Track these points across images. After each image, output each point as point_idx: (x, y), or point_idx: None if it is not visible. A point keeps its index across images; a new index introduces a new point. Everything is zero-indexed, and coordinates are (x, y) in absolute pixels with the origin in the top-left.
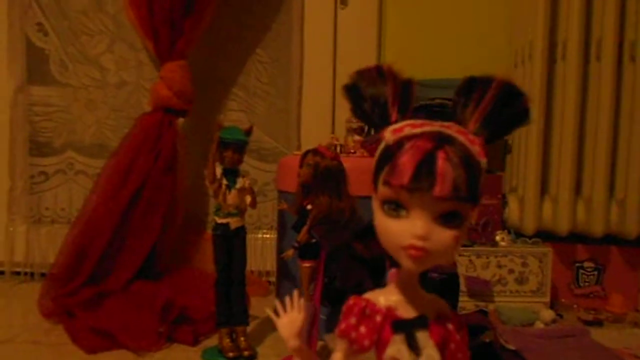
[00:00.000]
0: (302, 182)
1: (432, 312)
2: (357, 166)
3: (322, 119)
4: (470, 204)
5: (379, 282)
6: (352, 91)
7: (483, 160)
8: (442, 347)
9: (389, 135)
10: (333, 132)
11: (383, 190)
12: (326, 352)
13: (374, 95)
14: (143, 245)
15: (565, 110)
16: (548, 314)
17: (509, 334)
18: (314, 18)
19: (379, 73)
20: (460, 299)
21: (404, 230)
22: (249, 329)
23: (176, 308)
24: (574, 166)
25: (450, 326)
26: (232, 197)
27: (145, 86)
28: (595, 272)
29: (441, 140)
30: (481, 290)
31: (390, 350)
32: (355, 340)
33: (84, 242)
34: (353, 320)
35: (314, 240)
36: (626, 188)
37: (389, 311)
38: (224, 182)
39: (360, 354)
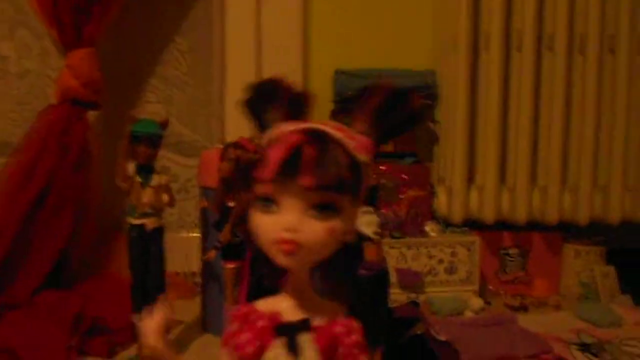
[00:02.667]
0: (223, 177)
1: (322, 316)
2: None
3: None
4: (342, 195)
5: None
6: (249, 106)
7: (362, 155)
8: (328, 351)
9: (265, 136)
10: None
11: (256, 188)
12: None
13: (269, 110)
14: (50, 251)
15: (490, 100)
16: (477, 302)
17: (439, 324)
18: (236, 3)
19: (273, 87)
20: (392, 291)
21: (274, 224)
22: (172, 334)
23: (89, 318)
24: (498, 155)
25: (339, 329)
26: (147, 196)
27: (51, 76)
28: (520, 258)
29: (310, 135)
30: (412, 281)
31: (269, 355)
32: (237, 347)
33: None
34: (235, 327)
35: (237, 240)
36: (547, 175)
37: (273, 316)
38: (137, 179)
39: None
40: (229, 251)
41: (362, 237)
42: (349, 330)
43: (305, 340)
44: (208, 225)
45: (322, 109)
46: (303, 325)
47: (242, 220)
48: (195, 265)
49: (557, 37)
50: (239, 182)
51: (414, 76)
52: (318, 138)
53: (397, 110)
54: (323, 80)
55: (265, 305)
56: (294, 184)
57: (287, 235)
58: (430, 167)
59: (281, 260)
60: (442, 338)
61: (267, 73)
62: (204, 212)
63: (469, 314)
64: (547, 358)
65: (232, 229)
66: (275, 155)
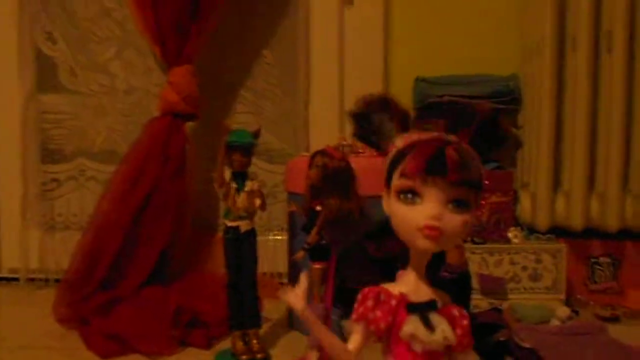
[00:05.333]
0: (311, 184)
1: (439, 301)
2: (365, 166)
3: (329, 119)
4: (476, 192)
5: (390, 282)
6: (358, 117)
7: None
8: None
9: (399, 141)
10: (341, 133)
11: (398, 182)
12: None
13: (379, 124)
14: (153, 250)
15: (577, 103)
16: (563, 311)
17: (524, 331)
18: (319, 17)
19: (383, 103)
20: (474, 297)
21: (420, 213)
22: (261, 331)
23: (188, 312)
24: (587, 160)
25: (455, 312)
26: (241, 200)
27: (153, 91)
28: (611, 268)
29: (446, 141)
30: (494, 288)
31: (407, 328)
32: (372, 322)
33: (96, 248)
34: (370, 303)
35: (324, 242)
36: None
37: (402, 296)
38: (233, 185)
39: (375, 338)
40: (316, 252)
41: None
42: (462, 314)
43: (436, 317)
44: (295, 228)
45: None
46: (431, 305)
47: (328, 224)
48: (282, 266)
49: None
50: (326, 187)
51: (496, 81)
52: (452, 143)
53: (491, 128)
54: (404, 87)
55: (392, 287)
56: (437, 180)
57: (434, 223)
58: (513, 172)
59: (422, 244)
60: (527, 345)
61: (349, 83)
62: (291, 216)
63: (555, 322)
64: None
65: (319, 231)
66: (423, 154)
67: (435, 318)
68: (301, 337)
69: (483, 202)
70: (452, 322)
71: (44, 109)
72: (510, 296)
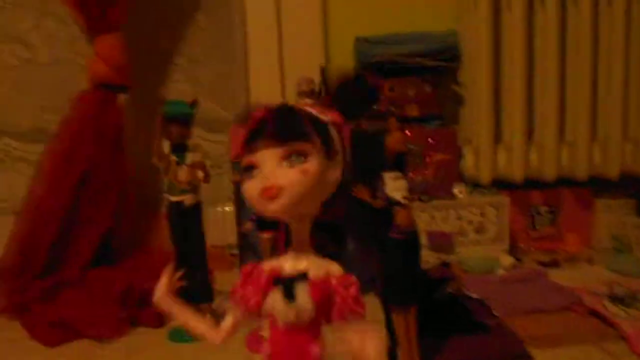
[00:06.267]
0: None
1: (319, 272)
2: None
3: (271, 83)
4: (306, 142)
5: (340, 246)
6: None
7: (324, 116)
8: (324, 301)
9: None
10: (283, 97)
11: (240, 165)
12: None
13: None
14: (95, 231)
15: (514, 58)
16: (507, 260)
17: (471, 283)
18: None
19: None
20: (424, 253)
21: (256, 181)
22: (214, 304)
23: (137, 292)
24: (525, 113)
25: (334, 282)
26: (183, 174)
27: (80, 63)
28: (550, 215)
29: (270, 107)
30: (443, 243)
31: (267, 301)
32: (241, 299)
33: (32, 233)
34: (240, 282)
35: None
36: (575, 130)
37: (273, 271)
38: (173, 158)
39: (250, 316)
40: (264, 222)
41: (391, 202)
42: (345, 284)
43: (300, 288)
44: (242, 197)
45: None
46: (300, 277)
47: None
48: (232, 238)
49: None
50: None
51: (435, 38)
52: (277, 107)
53: (351, 93)
54: (344, 48)
55: (269, 264)
56: (262, 145)
57: (267, 183)
58: (456, 129)
59: (268, 208)
60: (475, 296)
61: (288, 44)
62: (237, 186)
63: (500, 271)
64: (578, 310)
65: None
66: (245, 128)
67: (299, 288)
68: None
69: (428, 160)
70: (328, 294)
71: None
72: (458, 250)
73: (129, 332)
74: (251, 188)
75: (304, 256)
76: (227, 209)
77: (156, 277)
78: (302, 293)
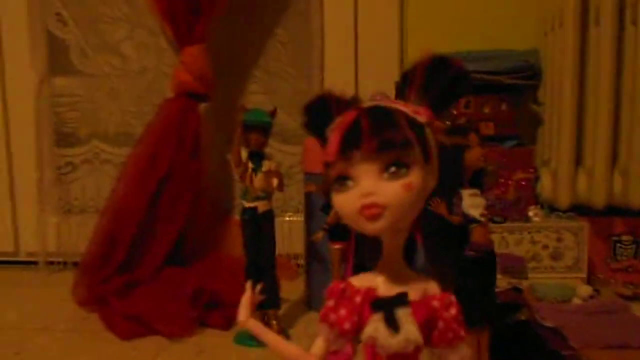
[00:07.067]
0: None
1: (417, 291)
2: None
3: None
4: (408, 150)
5: (409, 260)
6: (310, 127)
7: (420, 117)
8: (427, 325)
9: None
10: None
11: (328, 172)
12: None
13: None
14: (170, 232)
15: (600, 78)
16: (585, 290)
17: (545, 310)
18: None
19: (327, 103)
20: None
21: (353, 196)
22: (280, 312)
23: (207, 293)
24: (610, 137)
25: (436, 304)
26: (258, 181)
27: (166, 72)
28: (633, 246)
29: (364, 109)
30: (514, 267)
31: (368, 329)
32: (335, 323)
33: (114, 231)
34: (331, 302)
35: (343, 222)
36: None
37: (369, 292)
38: (250, 165)
39: (343, 340)
40: (335, 233)
41: (469, 219)
42: (446, 304)
43: (404, 314)
44: (312, 209)
45: None
46: (400, 300)
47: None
48: (298, 247)
49: None
50: None
51: (515, 56)
52: (371, 109)
53: (439, 76)
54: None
55: (360, 281)
56: (359, 154)
57: (367, 201)
58: (533, 150)
59: (369, 228)
60: (549, 324)
61: (365, 62)
62: (308, 196)
63: (577, 301)
64: None
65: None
66: (335, 135)
67: (402, 315)
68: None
69: (502, 180)
70: (431, 316)
71: (56, 92)
72: (531, 275)
73: (198, 332)
74: (348, 203)
75: (399, 273)
76: (295, 218)
77: (225, 280)
78: (407, 321)
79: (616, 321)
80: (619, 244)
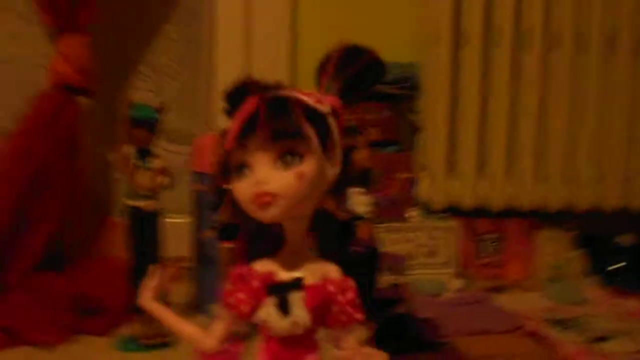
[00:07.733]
0: (220, 161)
1: (315, 276)
2: None
3: None
4: (302, 140)
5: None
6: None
7: (323, 106)
8: (321, 309)
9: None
10: None
11: (230, 161)
12: None
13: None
14: (42, 234)
15: (469, 93)
16: (455, 284)
17: (421, 303)
18: None
19: (247, 87)
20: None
21: (248, 183)
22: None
23: (83, 299)
24: (477, 145)
25: (332, 288)
26: (144, 178)
27: (41, 62)
28: (495, 243)
29: (263, 98)
30: (396, 265)
31: (260, 313)
32: (233, 306)
33: None
34: (231, 286)
35: (232, 221)
36: (522, 166)
37: (267, 276)
38: (135, 162)
39: (242, 322)
40: (225, 232)
41: (354, 217)
42: (342, 288)
43: (295, 299)
44: (200, 208)
45: None
46: (295, 284)
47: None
48: (184, 249)
49: (534, 33)
50: None
51: (397, 68)
52: (269, 98)
53: (351, 64)
54: (311, 67)
55: (261, 265)
56: (255, 143)
57: (259, 189)
58: (412, 155)
59: (262, 216)
60: (424, 316)
61: (256, 63)
62: (196, 196)
63: (447, 294)
64: (520, 332)
65: (228, 210)
66: (235, 123)
67: (294, 300)
68: (209, 321)
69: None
70: (325, 300)
71: None
72: (409, 272)
73: (75, 340)
74: (243, 190)
75: (300, 258)
76: (180, 220)
77: (105, 285)
78: (297, 305)
79: (479, 311)
80: (483, 242)
